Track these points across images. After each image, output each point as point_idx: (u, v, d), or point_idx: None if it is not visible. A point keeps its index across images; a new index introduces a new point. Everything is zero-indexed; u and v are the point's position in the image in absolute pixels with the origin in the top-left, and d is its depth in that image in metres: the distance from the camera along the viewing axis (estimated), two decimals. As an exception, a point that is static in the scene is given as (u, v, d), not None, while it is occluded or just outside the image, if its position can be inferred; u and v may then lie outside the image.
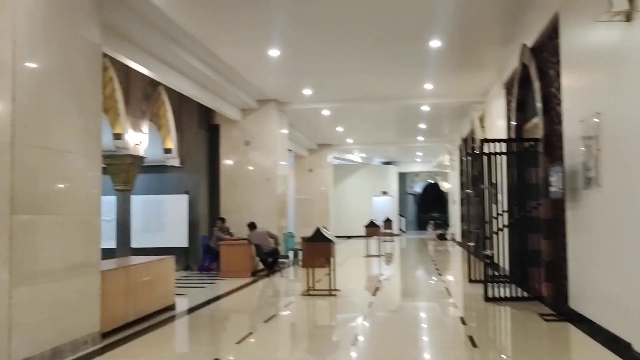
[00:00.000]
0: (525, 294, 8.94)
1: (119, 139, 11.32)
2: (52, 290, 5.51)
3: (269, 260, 13.09)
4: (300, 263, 14.71)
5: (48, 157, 5.52)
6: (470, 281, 10.85)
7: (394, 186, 32.17)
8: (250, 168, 14.63)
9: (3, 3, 5.04)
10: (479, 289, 9.38)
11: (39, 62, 5.42)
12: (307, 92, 13.78)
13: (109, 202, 13.12)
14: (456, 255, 18.99)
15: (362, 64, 11.31)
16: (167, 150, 13.82)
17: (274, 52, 10.29)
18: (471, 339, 6.45)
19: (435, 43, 9.82)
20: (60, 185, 5.70)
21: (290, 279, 12.71)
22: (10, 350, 4.91)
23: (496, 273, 9.57)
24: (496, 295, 8.84)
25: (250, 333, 6.94)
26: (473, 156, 12.32)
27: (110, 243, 12.46)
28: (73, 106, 5.97)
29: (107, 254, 11.87)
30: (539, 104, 8.35)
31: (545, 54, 8.23)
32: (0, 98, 4.99)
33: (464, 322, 7.46)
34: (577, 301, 7.01)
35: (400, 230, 32.27)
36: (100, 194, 6.52)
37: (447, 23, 8.95)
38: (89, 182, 6.25)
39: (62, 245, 5.71)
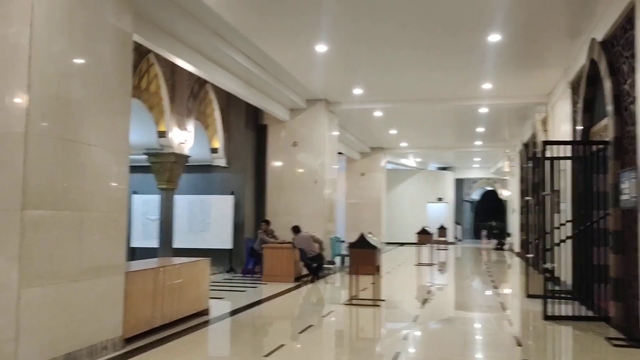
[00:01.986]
0: (590, 313, 8.09)
1: (163, 137, 11.11)
2: (68, 291, 5.17)
3: (313, 266, 12.60)
4: (347, 270, 14.15)
5: (67, 150, 5.20)
6: (528, 296, 10.00)
7: (450, 193, 31.12)
8: (298, 170, 14.20)
9: (20, -17, 4.77)
10: (537, 305, 8.58)
11: (59, 49, 5.11)
12: (358, 91, 13.23)
13: (153, 201, 13.03)
14: (514, 267, 17.96)
15: (415, 61, 10.67)
16: (214, 150, 13.57)
17: (321, 48, 9.81)
18: (526, 363, 5.73)
19: (494, 37, 9.08)
20: (80, 180, 5.36)
21: (335, 286, 12.18)
22: (18, 354, 4.59)
23: (557, 288, 8.75)
24: (556, 313, 8.04)
25: (282, 345, 6.44)
26: (534, 161, 11.45)
27: (153, 242, 12.33)
28: (98, 97, 5.65)
29: (149, 253, 11.85)
30: (609, 104, 7.52)
31: (617, 48, 7.40)
32: (14, 85, 4.71)
33: (519, 343, 6.72)
34: (651, 326, 6.16)
35: (456, 238, 31.18)
36: (127, 191, 6.16)
37: (508, 15, 8.21)
38: (115, 178, 5.91)
39: (82, 244, 5.37)
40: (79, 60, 5.39)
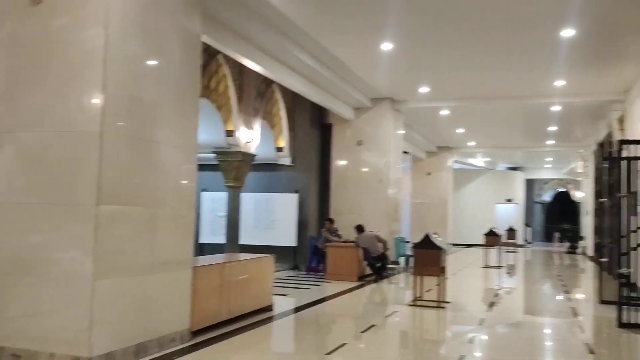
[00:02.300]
0: (670, 323, 7.65)
1: (231, 135, 11.35)
2: (139, 284, 5.37)
3: (376, 265, 12.54)
4: (411, 270, 13.99)
5: (140, 148, 5.40)
6: (602, 302, 9.56)
7: (519, 193, 30.18)
8: (363, 169, 14.15)
9: (96, -12, 4.99)
10: (611, 311, 8.19)
11: (132, 51, 5.31)
12: (424, 89, 13.04)
13: (221, 199, 13.35)
14: (587, 271, 17.23)
15: (484, 58, 10.39)
16: (279, 149, 13.73)
17: (386, 46, 9.73)
18: (599, 372, 5.49)
19: (567, 32, 8.71)
20: (151, 177, 5.56)
21: (399, 286, 12.08)
22: (91, 343, 4.81)
23: (633, 295, 8.31)
24: (632, 320, 7.64)
25: (344, 344, 6.44)
26: (610, 161, 10.93)
27: (221, 239, 12.63)
28: (169, 97, 5.84)
29: (217, 249, 12.14)
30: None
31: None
32: (90, 86, 4.93)
33: (591, 351, 6.44)
34: None
35: (525, 240, 30.21)
36: (195, 188, 6.34)
37: (583, 9, 7.85)
38: (183, 176, 6.09)
39: (152, 239, 5.56)
40: (151, 62, 5.58)
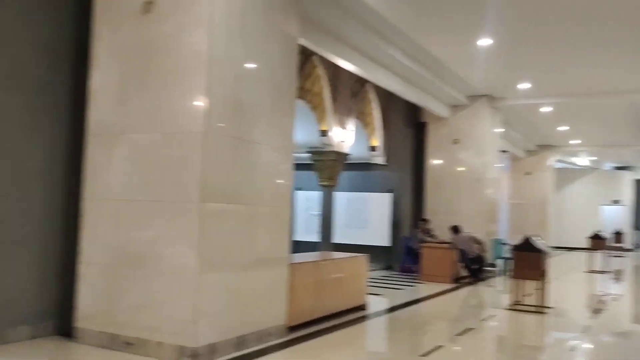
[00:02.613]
0: None
1: (325, 135, 11.48)
2: (238, 279, 5.57)
3: (473, 268, 12.22)
4: (509, 273, 13.50)
5: (240, 148, 5.59)
6: None
7: (627, 194, 28.28)
8: (459, 168, 13.84)
9: (201, -6, 5.21)
10: None
11: (234, 54, 5.51)
12: (524, 86, 12.53)
13: (315, 197, 13.54)
14: None
15: (592, 52, 9.83)
16: (373, 148, 13.70)
17: (485, 42, 9.45)
18: None
19: (685, 21, 8.09)
20: (250, 177, 5.75)
21: (497, 290, 11.70)
22: (197, 334, 5.05)
23: None
24: None
25: (440, 346, 6.34)
26: None
27: (314, 237, 12.81)
28: (267, 98, 6.01)
29: (310, 247, 12.32)
30: None
31: None
32: (195, 89, 5.17)
33: None
34: None
35: (635, 245, 28.27)
36: (292, 187, 6.48)
37: None
38: (280, 175, 6.24)
39: (250, 236, 5.75)
40: (250, 64, 5.77)
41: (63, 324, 5.85)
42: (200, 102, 5.14)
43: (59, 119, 5.95)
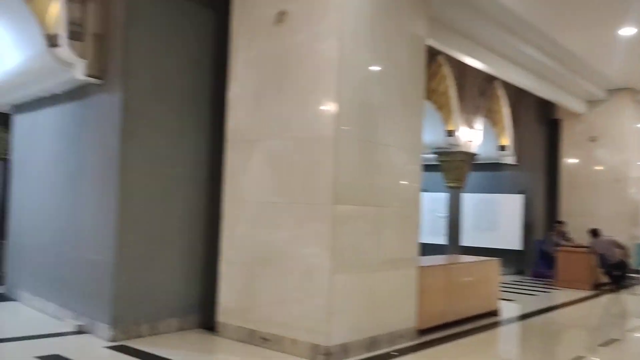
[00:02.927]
0: None
1: (451, 135, 11.26)
2: (369, 280, 5.64)
3: (615, 274, 11.36)
4: (657, 281, 12.42)
5: (369, 151, 5.66)
6: None
7: None
8: (596, 167, 12.94)
9: (332, 2, 5.34)
10: None
11: (363, 58, 5.59)
12: (673, 77, 11.49)
13: (441, 199, 13.31)
14: None
15: None
16: (502, 147, 13.21)
17: (627, 32, 8.79)
18: None
19: None
20: (380, 178, 5.80)
21: (643, 298, 10.82)
22: (330, 333, 5.18)
23: None
24: None
25: (580, 357, 5.98)
26: None
27: (441, 239, 12.59)
28: (395, 100, 6.03)
29: (437, 249, 12.13)
30: None
31: None
32: (325, 94, 5.31)
33: None
34: None
35: None
36: (420, 189, 6.44)
37: None
38: (409, 177, 6.24)
39: (380, 237, 5.79)
40: (379, 68, 5.82)
41: (206, 318, 6.28)
42: (330, 108, 5.28)
43: (201, 127, 6.41)
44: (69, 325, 6.04)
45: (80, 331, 5.90)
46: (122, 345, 5.48)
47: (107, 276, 5.74)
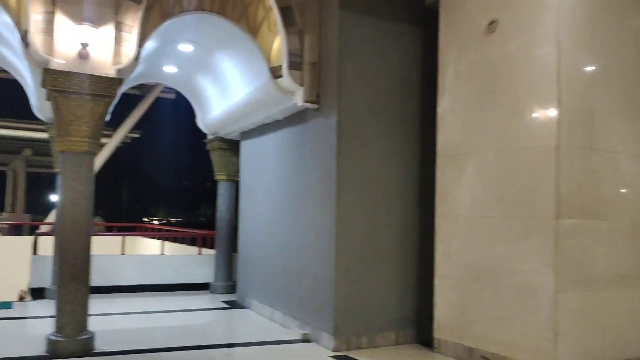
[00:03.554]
0: None
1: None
2: (598, 299, 5.19)
3: None
4: None
5: (594, 159, 5.24)
6: None
7: None
8: None
9: (546, 6, 5.09)
10: None
11: (583, 61, 5.21)
12: None
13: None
14: None
15: None
16: None
17: None
18: None
19: None
20: (606, 188, 5.32)
21: None
22: (557, 354, 4.86)
23: None
24: None
25: None
26: None
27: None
28: (622, 104, 5.51)
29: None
30: None
31: None
32: (546, 101, 5.05)
33: None
34: None
35: None
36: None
37: None
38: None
39: (609, 252, 5.31)
40: (600, 69, 5.38)
41: (421, 333, 6.32)
42: (551, 114, 5.01)
43: (410, 143, 6.52)
44: (295, 333, 6.52)
45: (305, 339, 6.33)
46: (345, 356, 5.74)
47: (327, 289, 6.09)
